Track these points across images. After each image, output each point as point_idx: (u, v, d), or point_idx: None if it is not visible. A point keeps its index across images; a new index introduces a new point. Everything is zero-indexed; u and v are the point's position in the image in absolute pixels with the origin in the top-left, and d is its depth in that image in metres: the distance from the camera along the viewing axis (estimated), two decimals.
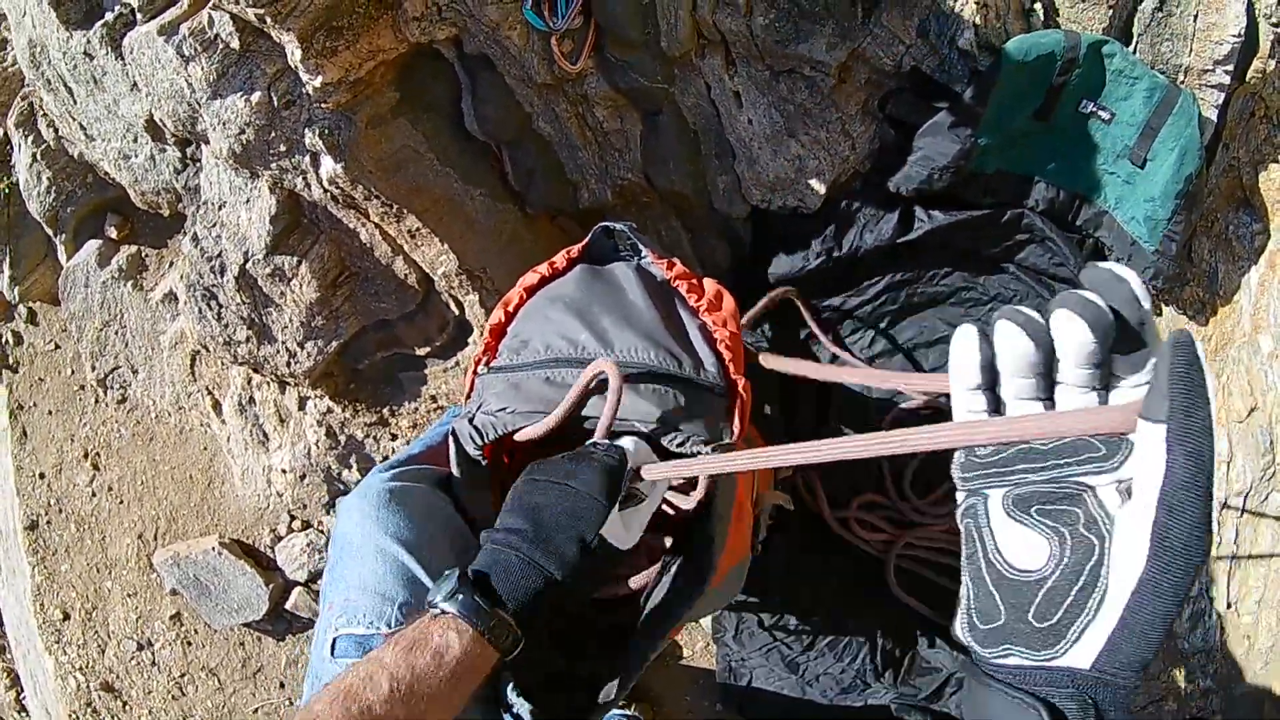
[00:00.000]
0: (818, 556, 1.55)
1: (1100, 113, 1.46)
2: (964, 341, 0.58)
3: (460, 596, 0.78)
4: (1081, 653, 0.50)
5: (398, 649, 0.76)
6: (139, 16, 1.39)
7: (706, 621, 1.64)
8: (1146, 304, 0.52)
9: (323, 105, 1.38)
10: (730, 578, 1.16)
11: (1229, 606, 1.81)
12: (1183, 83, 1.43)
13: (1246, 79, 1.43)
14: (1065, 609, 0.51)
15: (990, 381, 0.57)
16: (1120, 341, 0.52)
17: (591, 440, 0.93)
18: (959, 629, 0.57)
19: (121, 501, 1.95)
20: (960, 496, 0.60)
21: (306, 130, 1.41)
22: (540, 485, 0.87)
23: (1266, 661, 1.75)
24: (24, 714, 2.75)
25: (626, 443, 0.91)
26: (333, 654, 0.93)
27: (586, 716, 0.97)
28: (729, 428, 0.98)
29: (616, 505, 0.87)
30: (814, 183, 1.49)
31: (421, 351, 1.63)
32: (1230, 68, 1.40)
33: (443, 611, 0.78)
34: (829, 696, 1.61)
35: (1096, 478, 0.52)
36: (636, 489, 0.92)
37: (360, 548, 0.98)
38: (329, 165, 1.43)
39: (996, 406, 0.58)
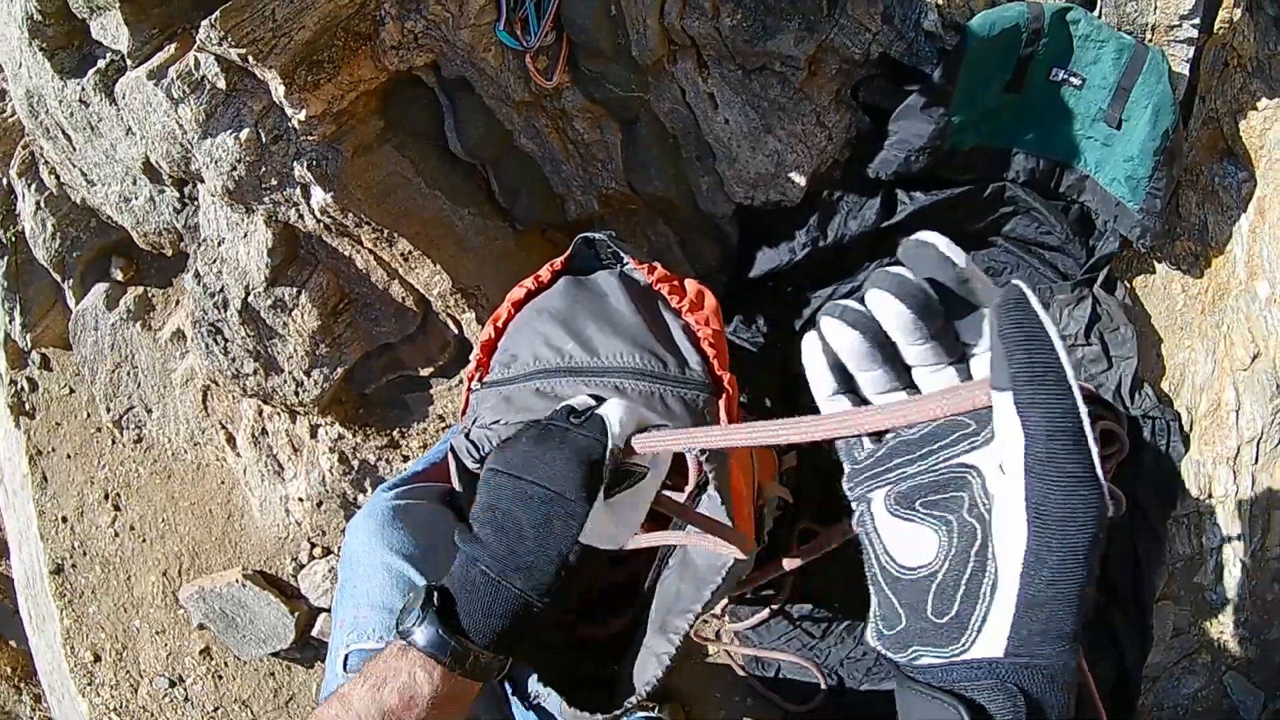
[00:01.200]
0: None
1: (1071, 79, 1.47)
2: (808, 349, 0.57)
3: (427, 628, 0.72)
4: (989, 642, 0.46)
5: (365, 687, 0.71)
6: (129, 63, 1.43)
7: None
8: (961, 261, 0.49)
9: (309, 138, 1.41)
10: (736, 571, 1.17)
11: (1253, 554, 1.81)
12: (1151, 41, 1.44)
13: (1215, 31, 1.45)
14: (960, 600, 0.48)
15: (846, 384, 0.56)
16: (953, 307, 0.50)
17: (564, 404, 0.82)
18: (871, 639, 0.55)
19: (144, 540, 1.99)
20: (853, 507, 0.58)
21: (295, 163, 1.44)
22: (506, 482, 0.76)
23: None
24: None
25: (609, 410, 0.79)
26: (345, 669, 0.96)
27: (609, 710, 0.95)
28: (716, 424, 1.00)
29: (600, 496, 0.74)
30: (794, 176, 1.51)
31: (425, 372, 1.66)
32: (1196, 21, 1.41)
33: (410, 643, 0.72)
34: (857, 679, 1.62)
35: (975, 454, 0.50)
36: (631, 464, 0.78)
37: (367, 565, 1.01)
38: (319, 196, 1.46)
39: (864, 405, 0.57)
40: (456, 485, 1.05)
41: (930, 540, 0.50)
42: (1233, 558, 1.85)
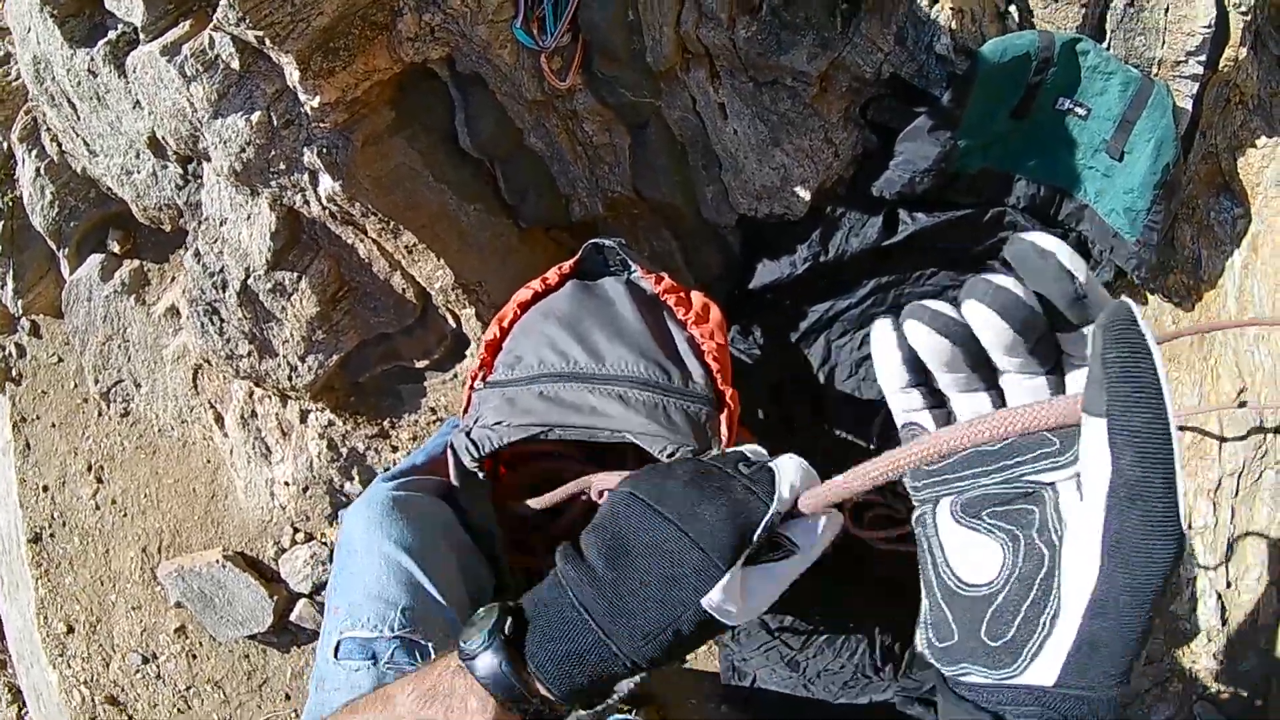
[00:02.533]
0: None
1: (1077, 109, 1.49)
2: (880, 342, 0.53)
3: (492, 658, 0.63)
4: (1041, 670, 0.45)
5: (415, 695, 0.66)
6: (142, 36, 1.42)
7: None
8: (1081, 274, 0.45)
9: (321, 125, 1.41)
10: None
11: (1229, 585, 1.84)
12: (1156, 75, 1.47)
13: (1219, 68, 1.47)
14: (1017, 626, 0.46)
15: (920, 377, 0.53)
16: (1062, 319, 0.46)
17: (740, 451, 0.71)
18: (920, 645, 0.52)
19: (125, 515, 1.98)
20: (915, 505, 0.55)
21: (305, 149, 1.44)
22: (643, 512, 0.65)
23: (1270, 637, 1.78)
24: None
25: (783, 467, 0.66)
26: (336, 656, 0.95)
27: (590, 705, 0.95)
28: (718, 437, 1.01)
29: (739, 568, 0.62)
30: (799, 190, 1.52)
31: (420, 364, 1.66)
32: (1203, 58, 1.43)
33: (470, 670, 0.64)
34: (831, 693, 1.64)
35: (1055, 474, 0.47)
36: (785, 537, 0.65)
37: (364, 554, 1.00)
38: (327, 183, 1.46)
39: (939, 401, 0.54)
40: (455, 481, 1.05)
41: (994, 554, 0.48)
42: (1209, 588, 1.87)
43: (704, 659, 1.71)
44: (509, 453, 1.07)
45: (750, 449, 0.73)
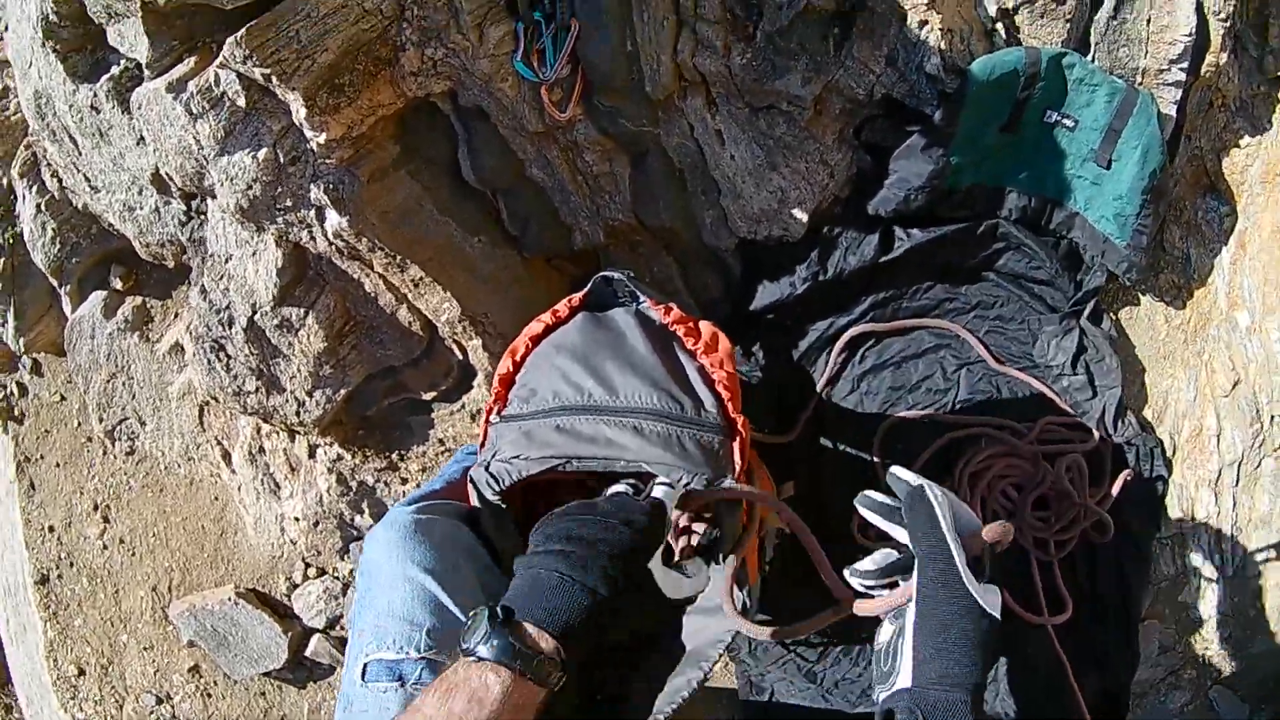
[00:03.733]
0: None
1: (1065, 121, 1.53)
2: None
3: (494, 641, 0.75)
4: (902, 678, 0.83)
5: (435, 696, 0.74)
6: (146, 73, 1.43)
7: None
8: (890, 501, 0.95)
9: (327, 161, 1.42)
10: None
11: (1234, 574, 1.85)
12: (1141, 84, 1.50)
13: (1201, 73, 1.51)
14: (888, 662, 0.87)
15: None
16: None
17: (622, 488, 0.96)
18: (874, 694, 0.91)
19: (134, 554, 1.97)
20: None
21: (312, 185, 1.45)
22: (573, 514, 0.87)
23: (1278, 619, 1.80)
24: None
25: (659, 493, 0.93)
26: (363, 679, 0.95)
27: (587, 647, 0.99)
28: (730, 465, 1.03)
29: (659, 554, 0.88)
30: (796, 212, 1.55)
31: (428, 396, 1.67)
32: (1185, 65, 1.47)
33: (479, 658, 0.75)
34: (850, 702, 1.65)
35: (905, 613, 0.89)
36: (684, 567, 0.93)
37: (388, 576, 1.01)
38: (334, 219, 1.47)
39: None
40: (477, 504, 1.07)
41: (887, 632, 0.92)
42: (1215, 576, 1.89)
43: (721, 676, 1.71)
44: (526, 483, 1.09)
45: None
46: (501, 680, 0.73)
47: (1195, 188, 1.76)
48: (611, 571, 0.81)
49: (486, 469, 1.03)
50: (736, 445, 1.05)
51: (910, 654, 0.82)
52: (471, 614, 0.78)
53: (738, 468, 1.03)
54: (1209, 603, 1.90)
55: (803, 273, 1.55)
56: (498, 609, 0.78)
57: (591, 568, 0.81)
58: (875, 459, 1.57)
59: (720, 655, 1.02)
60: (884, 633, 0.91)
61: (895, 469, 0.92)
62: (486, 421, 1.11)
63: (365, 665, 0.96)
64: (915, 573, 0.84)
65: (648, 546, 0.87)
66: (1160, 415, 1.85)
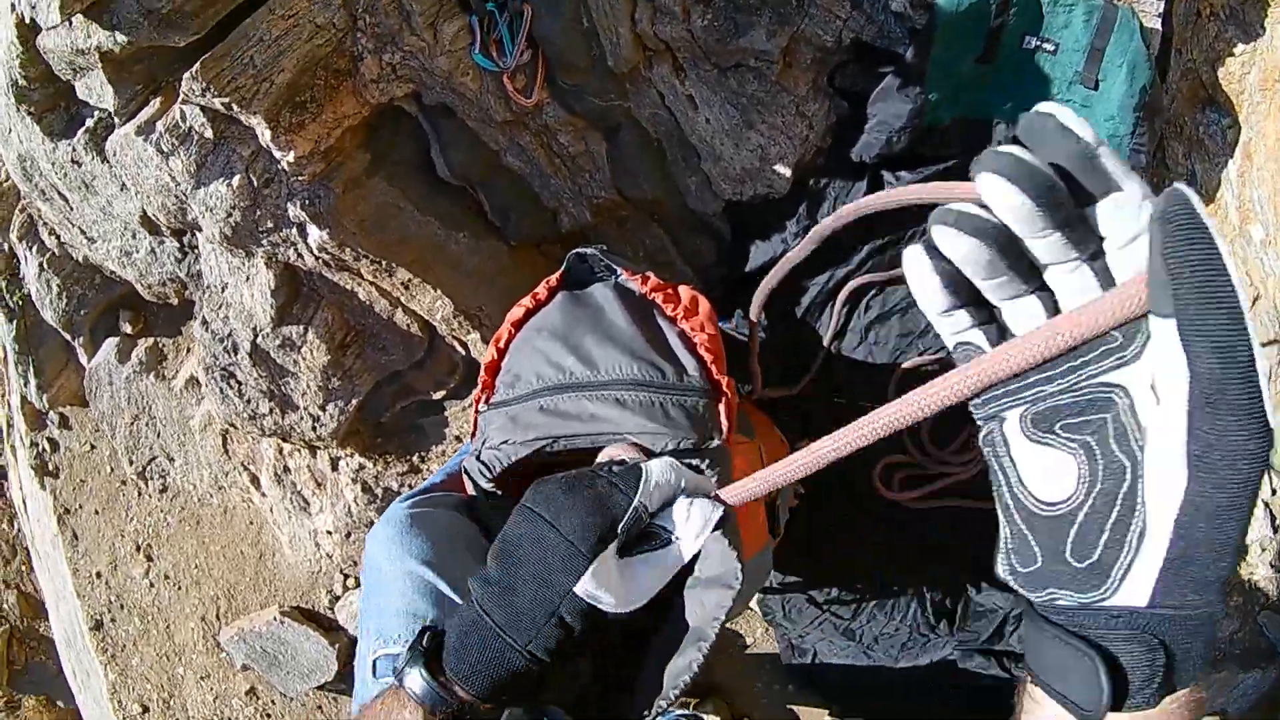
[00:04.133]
0: (848, 523, 1.59)
1: (1044, 45, 1.48)
2: (914, 268, 0.50)
3: (415, 674, 0.69)
4: (1133, 590, 0.43)
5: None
6: (117, 120, 1.45)
7: (756, 606, 1.68)
8: (1087, 134, 0.42)
9: (300, 178, 1.43)
10: (755, 567, 1.19)
11: (1274, 493, 1.82)
12: (1120, 0, 1.45)
13: None
14: (1103, 547, 0.44)
15: (962, 297, 0.50)
16: (1084, 190, 0.43)
17: (609, 460, 0.80)
18: (1001, 572, 0.51)
19: (179, 588, 2.02)
20: (979, 423, 0.52)
21: (289, 204, 1.46)
22: (526, 519, 0.73)
23: None
24: None
25: (651, 466, 0.74)
26: (374, 675, 0.96)
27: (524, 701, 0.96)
28: (717, 428, 1.02)
29: (610, 553, 0.70)
30: (779, 167, 1.53)
31: (437, 395, 1.69)
32: None
33: (400, 685, 0.70)
34: (892, 656, 1.64)
35: (1122, 373, 0.44)
36: (658, 527, 0.74)
37: (390, 572, 1.01)
38: (315, 233, 1.49)
39: (987, 315, 0.51)
40: (474, 493, 1.07)
41: (1070, 469, 0.46)
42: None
43: (762, 642, 1.72)
44: (520, 467, 1.09)
45: (629, 455, 0.82)
46: None
47: (1193, 102, 1.71)
48: (545, 634, 0.68)
49: (478, 458, 1.03)
50: (722, 406, 1.04)
51: (1157, 546, 0.42)
52: (413, 638, 0.73)
53: (724, 429, 1.02)
54: (1252, 529, 1.87)
55: (793, 228, 1.54)
56: (425, 637, 0.71)
57: (525, 628, 0.68)
58: None
59: (718, 630, 0.97)
60: (1051, 468, 0.47)
61: (1047, 104, 0.43)
62: (476, 411, 1.11)
63: (374, 662, 0.96)
64: (1177, 341, 0.39)
65: (587, 565, 0.69)
66: None
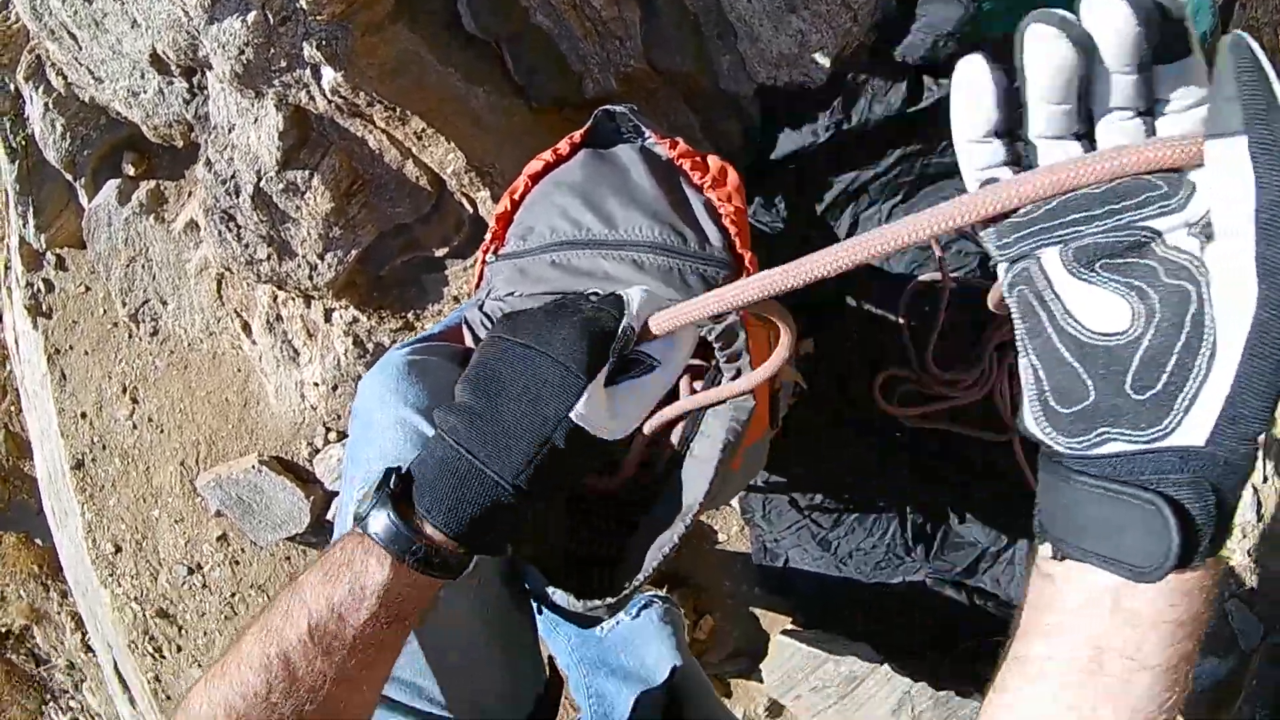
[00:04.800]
0: (840, 432, 1.57)
1: None
2: (972, 72, 0.47)
3: (380, 514, 0.63)
4: (1194, 426, 0.41)
5: (318, 575, 0.64)
6: None
7: (736, 503, 1.67)
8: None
9: (318, 17, 1.37)
10: (751, 457, 1.17)
11: (1265, 480, 1.81)
12: None
13: None
14: (1170, 371, 0.42)
15: (1006, 124, 0.48)
16: (1160, 45, 0.43)
17: (585, 291, 0.78)
18: (1030, 424, 0.48)
19: (162, 431, 2.01)
20: (1002, 270, 0.50)
21: (304, 43, 1.40)
22: (507, 347, 0.68)
23: None
24: (90, 653, 2.88)
25: (631, 292, 0.73)
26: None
27: (613, 593, 0.90)
28: None
29: (601, 378, 0.67)
30: (818, 57, 1.47)
31: (441, 252, 1.65)
32: None
33: (363, 532, 0.64)
34: (864, 573, 1.64)
35: (1161, 220, 0.43)
36: (642, 353, 0.72)
37: (380, 421, 0.96)
38: (330, 76, 1.43)
39: (1014, 157, 0.49)
40: (473, 346, 1.04)
41: (1120, 308, 0.44)
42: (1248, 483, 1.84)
43: (735, 540, 1.71)
44: None
45: (602, 287, 0.79)
46: (384, 570, 0.62)
47: None
48: (527, 462, 0.64)
49: (480, 308, 1.00)
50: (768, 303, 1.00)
51: (1226, 369, 0.40)
52: (377, 474, 0.67)
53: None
54: (1240, 511, 1.86)
55: (825, 121, 1.48)
56: (391, 478, 0.65)
57: (506, 457, 0.64)
58: (901, 320, 1.52)
59: (698, 511, 0.94)
60: (1098, 305, 0.45)
61: None
62: (482, 261, 1.08)
63: (357, 514, 0.93)
64: (1247, 157, 0.38)
65: (582, 388, 0.66)
66: None
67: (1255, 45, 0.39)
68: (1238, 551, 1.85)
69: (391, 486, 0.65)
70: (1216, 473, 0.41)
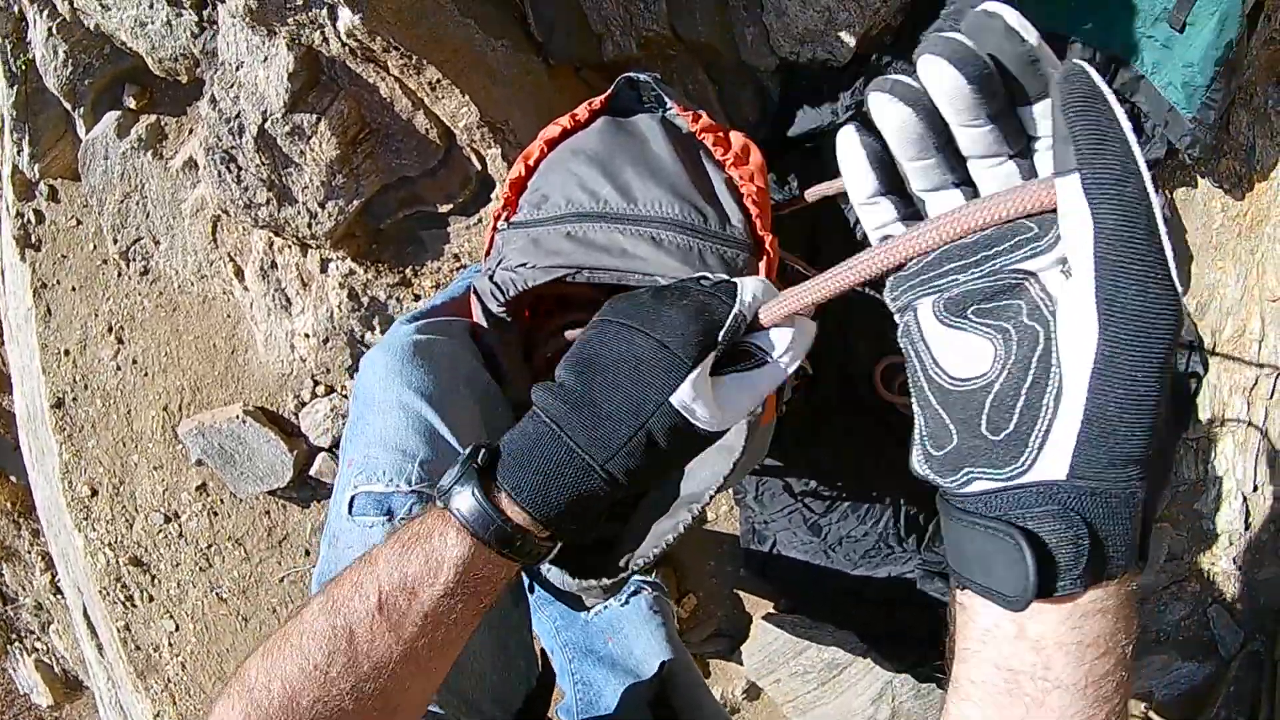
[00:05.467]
0: (839, 418, 1.56)
1: None
2: (845, 143, 0.50)
3: (469, 498, 0.61)
4: (1051, 461, 0.42)
5: (394, 548, 0.62)
6: None
7: None
8: (1032, 37, 0.42)
9: None
10: (759, 439, 1.15)
11: (1256, 489, 1.81)
12: None
13: None
14: (1019, 412, 0.43)
15: (890, 183, 0.50)
16: (1020, 89, 0.44)
17: (702, 274, 0.72)
18: (915, 464, 0.50)
19: (146, 374, 1.97)
20: (896, 318, 0.52)
21: None
22: (611, 330, 0.65)
23: None
24: (59, 595, 2.84)
25: (745, 280, 0.68)
26: (350, 512, 0.90)
27: (610, 574, 0.89)
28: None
29: (707, 366, 0.63)
30: (844, 35, 1.45)
31: (444, 209, 1.62)
32: None
33: (447, 507, 0.62)
34: (852, 561, 1.63)
35: (1036, 261, 0.44)
36: (753, 345, 0.66)
37: (382, 402, 0.94)
38: (347, 17, 1.39)
39: (912, 211, 0.51)
40: (481, 322, 1.01)
41: (985, 350, 0.46)
42: (1234, 490, 1.85)
43: (724, 521, 1.70)
44: (534, 296, 1.03)
45: (715, 275, 0.73)
46: (464, 546, 0.61)
47: (1270, 74, 1.66)
48: (630, 450, 0.61)
49: (491, 278, 0.97)
50: (763, 265, 0.98)
51: (1073, 406, 0.41)
52: (468, 450, 0.65)
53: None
54: (1224, 517, 1.87)
55: (846, 100, 1.46)
56: (480, 454, 0.63)
57: (606, 443, 0.61)
58: None
59: (710, 500, 0.93)
60: (965, 351, 0.47)
61: (994, 4, 0.44)
62: (494, 228, 1.05)
63: (353, 498, 0.90)
64: (1081, 194, 0.39)
65: (687, 373, 0.62)
66: (1204, 309, 1.79)
67: (1091, 73, 0.40)
68: (1223, 558, 1.86)
69: (479, 462, 0.62)
70: (1085, 504, 0.42)
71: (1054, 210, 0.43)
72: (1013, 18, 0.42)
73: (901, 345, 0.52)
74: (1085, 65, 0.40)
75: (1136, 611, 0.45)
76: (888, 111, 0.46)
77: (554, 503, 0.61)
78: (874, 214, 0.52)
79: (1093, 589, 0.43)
